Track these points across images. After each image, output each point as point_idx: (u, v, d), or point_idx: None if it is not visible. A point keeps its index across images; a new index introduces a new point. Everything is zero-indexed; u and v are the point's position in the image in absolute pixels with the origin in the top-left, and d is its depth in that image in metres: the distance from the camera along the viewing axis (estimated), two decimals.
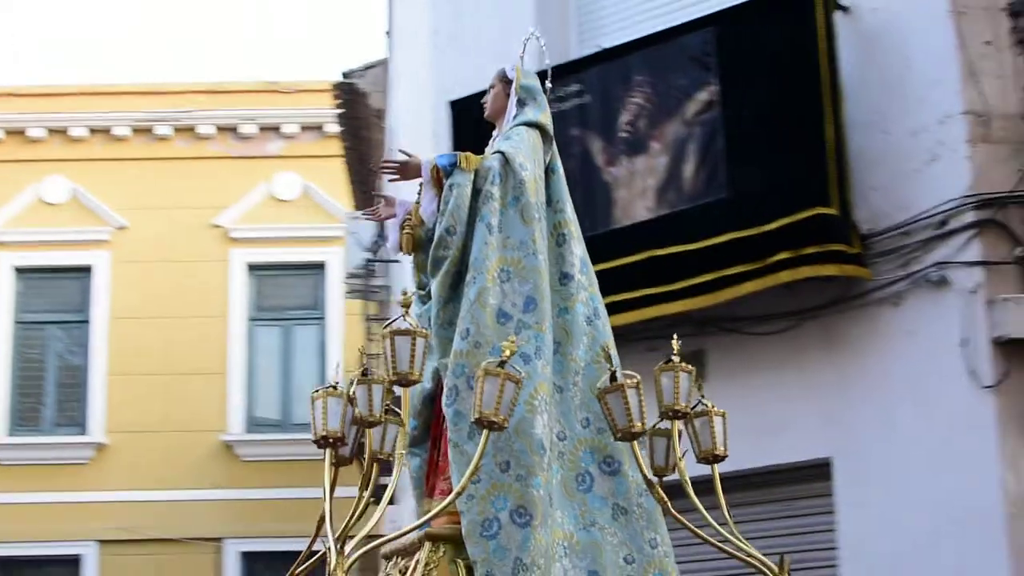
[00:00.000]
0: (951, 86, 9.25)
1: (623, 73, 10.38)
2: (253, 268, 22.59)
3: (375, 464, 5.48)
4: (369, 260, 17.10)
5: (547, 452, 5.61)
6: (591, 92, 10.47)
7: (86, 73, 42.46)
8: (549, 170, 6.29)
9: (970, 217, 9.03)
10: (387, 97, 17.39)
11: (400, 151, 6.33)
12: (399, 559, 5.71)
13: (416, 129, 12.82)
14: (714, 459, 5.65)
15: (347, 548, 4.93)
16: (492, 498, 5.48)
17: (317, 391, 5.34)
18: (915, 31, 9.53)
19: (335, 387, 5.33)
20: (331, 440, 5.32)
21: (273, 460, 21.63)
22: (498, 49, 11.38)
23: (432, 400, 6.03)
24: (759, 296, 9.40)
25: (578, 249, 6.23)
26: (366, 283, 17.41)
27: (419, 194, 6.24)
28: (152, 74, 45.35)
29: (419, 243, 6.27)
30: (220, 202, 22.51)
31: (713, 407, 5.66)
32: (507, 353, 5.10)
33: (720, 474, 5.76)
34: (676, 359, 5.48)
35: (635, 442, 5.43)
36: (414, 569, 5.45)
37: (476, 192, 6.00)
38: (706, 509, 5.54)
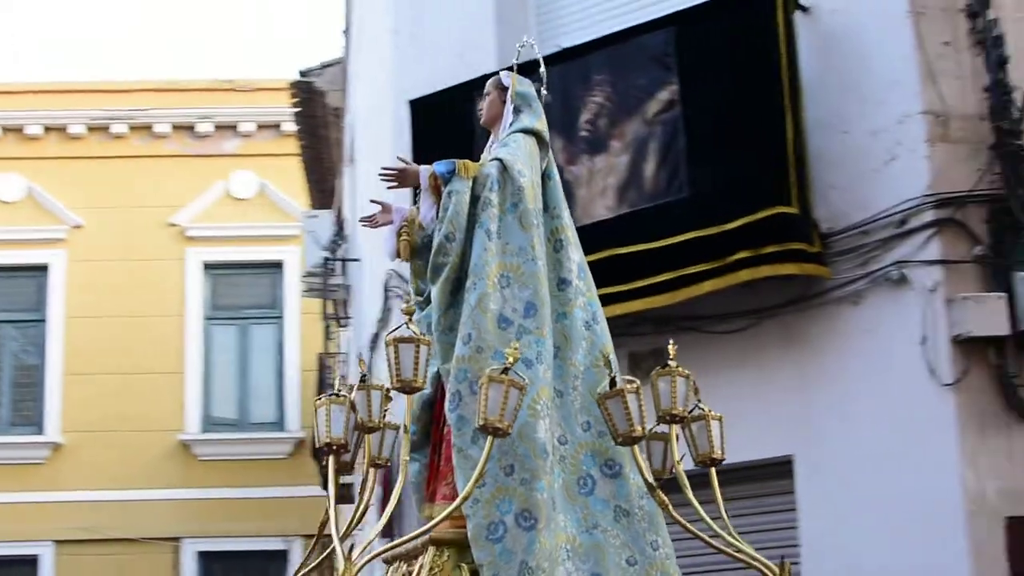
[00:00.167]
0: (910, 86, 9.30)
1: (583, 72, 10.37)
2: (209, 267, 22.53)
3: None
4: (327, 259, 17.08)
5: (550, 456, 5.65)
6: (551, 91, 10.44)
7: (41, 71, 42.26)
8: (545, 176, 6.33)
9: (929, 216, 9.08)
10: (345, 96, 17.37)
11: (399, 158, 6.34)
12: (401, 564, 5.73)
13: (375, 128, 12.81)
14: (711, 462, 5.69)
15: (355, 554, 4.94)
16: (497, 502, 5.50)
17: (320, 399, 5.37)
18: (874, 32, 9.58)
19: (338, 394, 5.36)
20: (335, 447, 5.33)
21: (230, 459, 21.60)
22: (458, 49, 11.43)
23: (431, 405, 6.06)
24: (719, 295, 9.42)
25: (575, 255, 6.28)
26: (324, 282, 17.38)
27: (416, 201, 6.25)
28: (108, 72, 45.14)
29: (416, 250, 6.31)
30: (176, 201, 22.45)
31: (710, 411, 5.70)
32: (511, 360, 5.16)
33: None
34: (673, 364, 5.51)
35: (635, 446, 5.45)
36: (418, 574, 5.47)
37: (475, 199, 6.02)
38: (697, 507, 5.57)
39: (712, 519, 5.63)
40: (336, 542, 5.07)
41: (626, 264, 9.64)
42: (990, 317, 8.81)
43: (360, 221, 6.74)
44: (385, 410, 5.42)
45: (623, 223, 9.88)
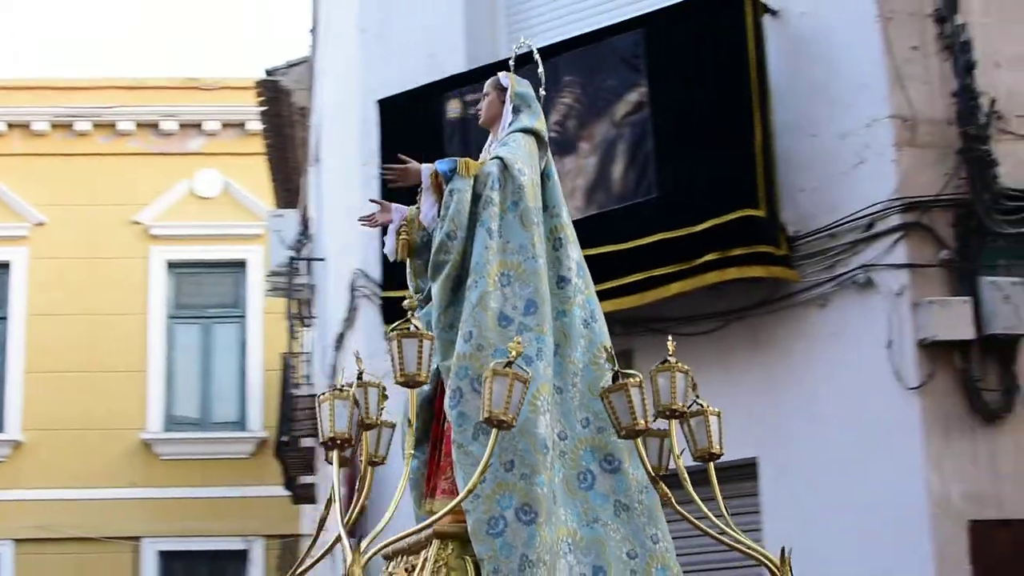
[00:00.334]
0: (878, 90, 9.34)
1: (552, 73, 10.33)
2: (173, 265, 22.47)
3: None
4: (292, 258, 17.06)
5: (550, 451, 5.68)
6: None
7: (4, 68, 42.06)
8: (545, 175, 6.36)
9: (896, 220, 9.12)
10: (311, 95, 17.34)
11: (400, 156, 6.34)
12: (402, 557, 5.74)
13: (342, 127, 12.77)
14: (710, 457, 5.73)
15: (363, 546, 4.95)
16: (497, 497, 5.53)
17: (324, 393, 5.39)
18: (843, 35, 9.62)
19: (341, 389, 5.36)
20: (339, 442, 5.33)
21: (192, 459, 21.56)
22: (426, 49, 11.40)
23: (431, 402, 6.09)
24: (687, 297, 9.44)
25: (574, 253, 6.31)
26: (289, 281, 17.36)
27: (419, 199, 6.27)
28: (72, 69, 44.95)
29: (415, 248, 6.33)
30: (140, 199, 22.38)
31: (708, 406, 5.73)
32: (513, 354, 5.18)
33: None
34: (672, 360, 5.53)
35: (638, 439, 5.50)
36: (422, 567, 5.49)
37: (476, 197, 6.05)
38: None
39: (717, 518, 5.67)
40: (343, 536, 5.07)
41: (594, 265, 9.55)
42: (956, 321, 8.85)
43: (359, 220, 6.75)
44: (382, 408, 5.42)
45: (591, 224, 9.85)
